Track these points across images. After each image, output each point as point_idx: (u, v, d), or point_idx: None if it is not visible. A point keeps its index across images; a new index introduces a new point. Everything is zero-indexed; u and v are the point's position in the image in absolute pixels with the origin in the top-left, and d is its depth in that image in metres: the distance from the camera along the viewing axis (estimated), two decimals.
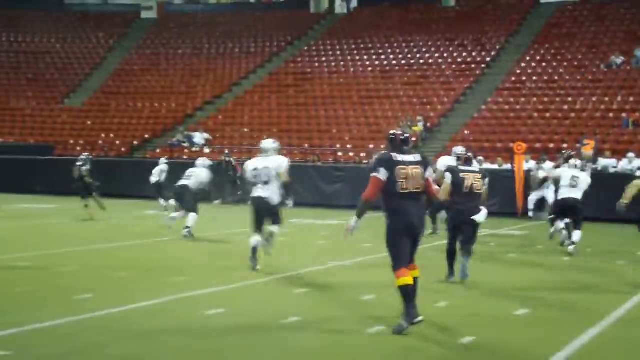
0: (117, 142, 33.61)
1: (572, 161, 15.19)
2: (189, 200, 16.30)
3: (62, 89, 40.49)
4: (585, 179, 14.69)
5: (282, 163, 11.91)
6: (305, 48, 40.68)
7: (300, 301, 9.45)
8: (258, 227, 11.85)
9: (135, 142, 33.50)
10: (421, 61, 36.17)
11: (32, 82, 40.72)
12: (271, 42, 42.28)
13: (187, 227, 15.85)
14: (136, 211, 22.59)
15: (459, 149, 14.74)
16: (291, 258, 13.06)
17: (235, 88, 38.14)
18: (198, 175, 16.76)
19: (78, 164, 21.43)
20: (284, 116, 33.53)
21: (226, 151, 27.12)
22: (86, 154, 24.39)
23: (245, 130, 32.53)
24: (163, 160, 24.46)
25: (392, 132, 8.38)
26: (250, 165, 12.04)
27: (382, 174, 7.94)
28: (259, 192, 11.79)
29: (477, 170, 11.46)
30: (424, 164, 8.18)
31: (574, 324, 8.47)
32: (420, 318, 7.89)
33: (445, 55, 36.21)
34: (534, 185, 16.20)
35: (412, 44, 37.91)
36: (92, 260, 12.49)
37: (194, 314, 8.53)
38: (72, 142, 34.07)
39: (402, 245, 8.05)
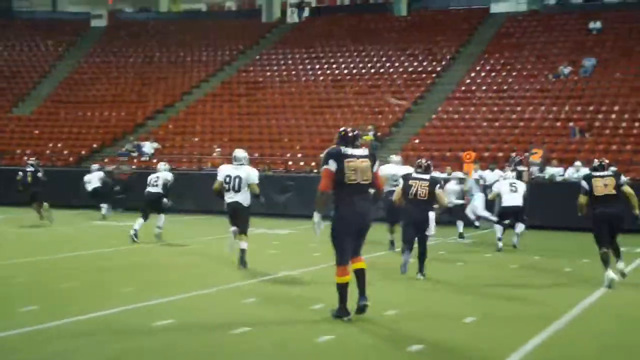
0: (66, 152, 33.17)
1: (506, 172, 17.25)
2: (159, 204, 17.40)
3: (10, 97, 39.89)
4: (522, 185, 16.51)
5: (253, 174, 13.14)
6: (257, 57, 40.62)
7: (250, 311, 9.40)
8: (233, 225, 13.12)
9: (84, 152, 33.11)
10: (372, 70, 36.31)
11: None
12: (223, 51, 42.15)
13: (159, 227, 17.23)
14: (84, 221, 22.32)
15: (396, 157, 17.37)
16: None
17: (186, 97, 37.90)
18: (164, 178, 17.56)
19: (29, 169, 21.46)
20: (235, 125, 33.41)
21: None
22: (33, 159, 24.29)
23: (196, 139, 32.36)
24: (96, 167, 24.67)
25: (342, 128, 9.11)
26: (223, 171, 13.14)
27: (331, 166, 8.59)
28: (230, 197, 13.02)
29: (427, 178, 12.14)
30: (372, 158, 8.85)
31: (525, 325, 8.59)
32: (349, 317, 8.63)
33: (396, 64, 36.40)
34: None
35: (363, 53, 38.06)
36: (39, 271, 12.31)
37: (142, 324, 8.45)
38: (19, 151, 33.56)
39: (346, 239, 8.65)
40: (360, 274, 8.80)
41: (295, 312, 9.28)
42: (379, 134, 29.65)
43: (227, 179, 13.02)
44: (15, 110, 38.76)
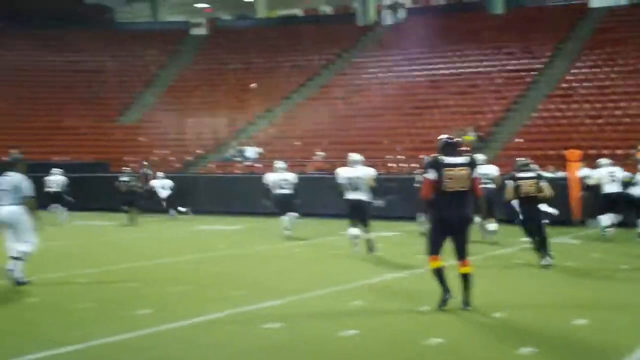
0: (172, 158, 34.04)
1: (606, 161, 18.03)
2: (290, 204, 19.05)
3: (117, 106, 41.16)
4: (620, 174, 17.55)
5: (370, 173, 15.20)
6: (354, 60, 40.84)
7: (358, 312, 9.53)
8: (354, 223, 15.05)
9: (189, 158, 33.91)
10: (470, 70, 36.07)
11: (87, 101, 41.44)
12: (320, 55, 42.52)
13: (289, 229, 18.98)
14: (193, 226, 22.84)
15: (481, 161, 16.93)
16: (348, 269, 13.21)
17: (285, 101, 38.42)
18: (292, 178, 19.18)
19: (123, 179, 22.48)
20: (334, 128, 33.67)
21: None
22: (128, 169, 25.35)
23: (297, 143, 32.73)
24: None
25: (440, 136, 9.58)
26: (343, 174, 15.01)
27: (431, 175, 9.23)
28: (352, 195, 14.90)
29: (533, 175, 13.44)
30: (472, 165, 9.35)
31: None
32: (448, 297, 9.34)
33: (494, 63, 36.07)
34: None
35: (460, 53, 37.83)
36: (151, 275, 12.72)
37: (252, 326, 8.64)
38: (126, 159, 34.58)
39: (437, 237, 9.46)
40: (465, 279, 9.39)
41: (403, 314, 9.33)
42: (481, 134, 29.41)
43: (349, 180, 14.92)
44: (121, 119, 39.96)
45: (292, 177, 19.18)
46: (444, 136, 9.57)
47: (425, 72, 37.15)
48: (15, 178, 11.71)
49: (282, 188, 18.92)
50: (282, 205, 18.96)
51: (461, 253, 9.41)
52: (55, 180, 24.62)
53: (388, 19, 44.31)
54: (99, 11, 51.55)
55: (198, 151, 34.54)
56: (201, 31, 48.29)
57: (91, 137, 37.54)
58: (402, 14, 44.34)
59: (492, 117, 31.38)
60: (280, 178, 19.01)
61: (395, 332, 8.48)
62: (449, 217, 9.28)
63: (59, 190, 24.52)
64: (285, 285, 11.62)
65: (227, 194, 27.41)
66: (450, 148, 9.37)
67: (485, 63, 36.32)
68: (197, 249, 16.88)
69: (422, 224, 17.35)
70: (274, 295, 10.60)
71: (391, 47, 40.71)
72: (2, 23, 46.81)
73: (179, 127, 37.63)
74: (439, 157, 9.29)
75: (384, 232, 18.63)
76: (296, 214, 19.11)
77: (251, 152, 32.02)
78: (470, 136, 28.61)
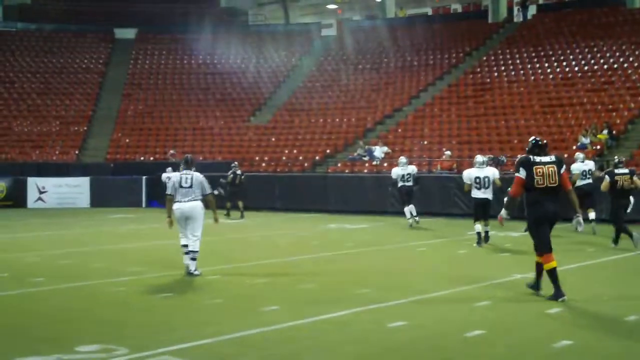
0: (300, 158, 34.53)
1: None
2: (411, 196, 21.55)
3: (248, 107, 42.07)
4: None
5: (497, 173, 16.74)
6: (484, 58, 40.31)
7: (484, 313, 9.47)
8: (478, 218, 16.43)
9: (317, 157, 34.31)
10: (605, 67, 35.00)
11: (221, 102, 42.55)
12: (449, 54, 42.21)
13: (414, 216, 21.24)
14: (321, 224, 23.09)
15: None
16: (475, 269, 13.11)
17: (414, 101, 38.31)
18: (413, 171, 21.77)
19: (238, 172, 25.84)
20: (463, 127, 33.32)
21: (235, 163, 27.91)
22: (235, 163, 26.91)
23: (425, 142, 32.60)
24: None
25: (532, 138, 10.45)
26: (472, 174, 16.41)
27: (522, 173, 9.98)
28: (480, 194, 16.35)
29: (627, 171, 15.80)
30: (559, 163, 10.05)
31: None
32: (564, 297, 9.79)
33: (631, 59, 34.87)
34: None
35: (595, 49, 36.77)
36: (278, 272, 12.98)
37: (377, 326, 8.71)
38: (257, 158, 35.31)
39: (542, 232, 10.03)
40: (550, 274, 10.09)
41: (530, 316, 9.20)
42: (613, 132, 28.53)
43: (477, 180, 16.33)
44: (252, 119, 40.80)
45: (413, 169, 21.65)
46: (533, 138, 10.44)
47: (557, 69, 36.30)
48: (195, 176, 12.73)
49: (405, 181, 21.29)
50: (406, 196, 21.38)
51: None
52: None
53: (519, 15, 43.53)
54: (232, 14, 52.79)
55: (327, 151, 34.87)
56: (331, 32, 48.76)
57: (224, 138, 38.47)
58: (532, 10, 43.48)
59: (627, 115, 30.35)
60: (404, 172, 21.30)
61: (523, 334, 8.37)
62: (543, 211, 9.99)
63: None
64: (412, 284, 11.65)
65: (354, 193, 27.62)
66: (539, 148, 10.20)
67: (621, 59, 35.17)
68: (324, 247, 17.06)
69: None
70: (401, 293, 10.64)
71: (522, 44, 39.97)
72: (140, 29, 48.65)
73: (308, 126, 38.12)
74: (529, 156, 10.10)
75: (511, 233, 18.39)
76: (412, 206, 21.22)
77: (379, 151, 32.09)
78: (604, 135, 27.78)
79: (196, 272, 12.48)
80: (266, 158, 35.18)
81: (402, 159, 21.73)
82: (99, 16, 48.70)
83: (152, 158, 35.65)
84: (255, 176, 30.84)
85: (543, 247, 10.03)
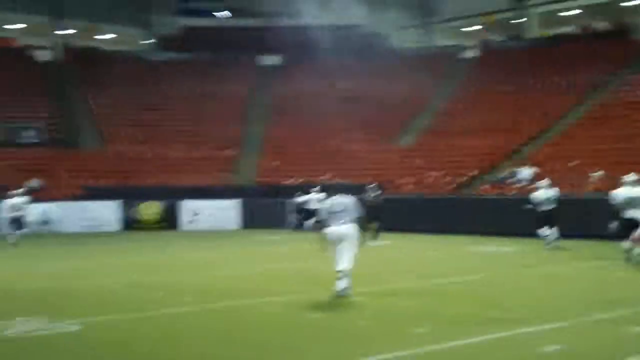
0: (446, 180, 34.32)
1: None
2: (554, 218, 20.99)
3: (393, 129, 42.18)
4: None
5: None
6: (632, 77, 38.98)
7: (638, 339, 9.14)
8: (625, 237, 16.17)
9: (463, 180, 34.02)
10: None
11: (365, 125, 42.83)
12: (594, 73, 41.04)
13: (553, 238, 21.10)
14: (466, 247, 22.84)
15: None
16: (631, 292, 12.72)
17: (561, 121, 37.46)
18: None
19: (373, 194, 25.60)
20: (613, 148, 32.30)
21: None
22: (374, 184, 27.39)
23: (573, 163, 31.77)
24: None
25: None
26: (622, 194, 16.16)
27: None
28: (631, 214, 16.01)
29: None
30: None
31: None
32: None
33: None
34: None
35: None
36: (426, 294, 12.94)
37: (529, 351, 8.56)
38: (402, 181, 35.34)
39: None
40: None
41: None
42: None
43: (629, 200, 16.03)
44: (397, 141, 40.89)
45: (555, 192, 21.21)
46: None
47: None
48: (346, 200, 13.03)
49: (547, 204, 20.93)
50: (547, 220, 20.99)
51: None
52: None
53: None
54: (374, 38, 53.18)
55: (472, 173, 34.54)
56: (473, 54, 48.39)
57: (369, 160, 38.71)
58: None
59: None
60: (546, 195, 20.94)
61: None
62: None
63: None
64: (565, 307, 11.37)
65: (500, 214, 27.19)
66: None
67: None
68: (470, 270, 16.88)
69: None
70: (554, 317, 10.42)
71: None
72: (284, 56, 49.77)
73: (452, 149, 37.89)
74: None
75: None
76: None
77: (526, 172, 31.51)
78: None
79: (347, 292, 12.55)
80: (412, 180, 35.16)
81: (543, 182, 21.55)
82: (246, 44, 50.10)
83: (299, 181, 36.23)
84: (399, 199, 30.92)
85: None
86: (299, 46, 48.46)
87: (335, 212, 12.83)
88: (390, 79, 47.09)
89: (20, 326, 10.16)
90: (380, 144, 40.71)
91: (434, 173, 35.46)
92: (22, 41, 50.94)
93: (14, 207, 25.78)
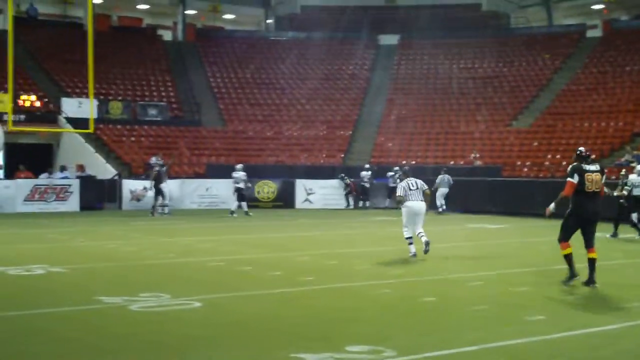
0: (564, 163, 33.64)
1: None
2: None
3: (510, 111, 41.58)
4: None
5: None
6: None
7: None
8: None
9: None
10: None
11: (481, 106, 42.38)
12: None
13: None
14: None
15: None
16: None
17: None
18: None
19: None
20: None
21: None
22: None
23: None
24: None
25: (579, 149, 12.14)
26: None
27: (575, 179, 11.69)
28: None
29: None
30: (602, 172, 11.97)
31: None
32: (573, 282, 11.93)
33: None
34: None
35: None
36: (542, 280, 12.83)
37: None
38: (519, 163, 34.86)
39: (572, 227, 11.96)
40: (591, 263, 11.87)
41: None
42: None
43: None
44: (514, 123, 40.29)
45: None
46: (581, 149, 12.13)
47: None
48: (419, 181, 16.07)
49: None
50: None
51: (590, 242, 11.95)
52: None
53: None
54: (495, 18, 52.35)
55: (593, 156, 33.70)
56: (596, 33, 47.03)
57: (485, 142, 38.33)
58: None
59: None
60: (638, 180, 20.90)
61: None
62: (587, 212, 11.79)
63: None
64: None
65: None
66: (587, 158, 11.88)
67: None
68: None
69: None
70: None
71: None
72: (403, 35, 49.56)
73: (572, 131, 37.07)
74: (582, 164, 11.75)
75: None
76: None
77: None
78: None
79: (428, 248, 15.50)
80: (528, 163, 34.64)
81: (638, 167, 21.23)
82: (364, 24, 50.16)
83: (413, 162, 36.19)
84: (516, 181, 30.61)
85: (565, 237, 11.96)
86: (418, 25, 48.23)
87: (411, 191, 15.77)
88: (510, 59, 46.36)
89: (144, 301, 10.62)
90: (499, 125, 40.18)
91: (551, 155, 34.82)
92: (148, 21, 52.50)
93: (236, 181, 28.41)
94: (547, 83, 43.59)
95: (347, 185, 33.49)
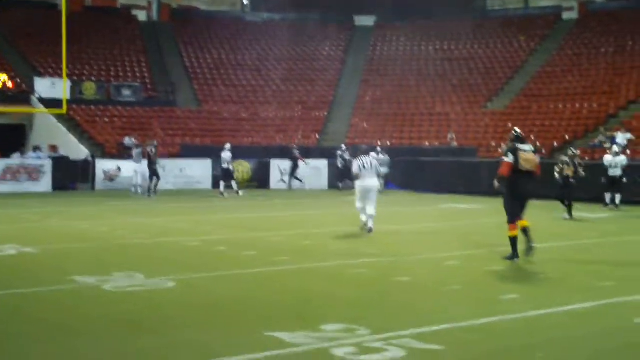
0: (538, 144, 33.79)
1: None
2: None
3: (485, 92, 41.69)
4: None
5: None
6: None
7: None
8: None
9: (555, 144, 33.45)
10: None
11: (457, 88, 42.46)
12: None
13: None
14: (549, 213, 22.42)
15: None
16: None
17: None
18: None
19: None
20: None
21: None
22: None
23: None
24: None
25: (514, 129, 12.78)
26: None
27: (510, 158, 12.23)
28: None
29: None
30: (535, 151, 12.68)
31: None
32: (518, 260, 12.38)
33: None
34: None
35: None
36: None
37: (623, 321, 8.50)
38: (493, 144, 34.98)
39: (515, 206, 12.44)
40: (526, 230, 12.40)
41: None
42: None
43: None
44: (489, 105, 40.42)
45: (622, 160, 23.20)
46: (516, 129, 12.76)
47: None
48: (374, 161, 16.74)
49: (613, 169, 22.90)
50: (612, 185, 23.09)
51: (522, 215, 12.45)
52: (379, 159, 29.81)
53: None
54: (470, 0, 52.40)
55: (565, 137, 33.92)
56: (572, 15, 47.20)
57: (460, 123, 38.43)
58: None
59: None
60: (613, 161, 22.95)
61: None
62: (522, 189, 12.37)
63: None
64: None
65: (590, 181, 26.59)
66: (522, 138, 12.47)
67: None
68: (564, 236, 16.66)
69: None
70: None
71: None
72: (379, 17, 49.50)
73: (546, 113, 37.24)
74: (516, 144, 12.27)
75: None
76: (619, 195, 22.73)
77: (621, 138, 30.79)
78: None
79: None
80: (502, 145, 34.73)
81: (614, 148, 23.16)
82: (340, 5, 50.00)
83: (388, 143, 36.21)
84: (491, 162, 30.66)
85: (513, 218, 12.38)
86: (394, 6, 48.17)
87: (365, 170, 16.43)
88: (486, 41, 46.45)
89: (118, 281, 10.55)
90: (474, 107, 40.28)
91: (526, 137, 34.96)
92: (123, 1, 51.96)
93: (224, 161, 28.64)
94: (522, 65, 43.73)
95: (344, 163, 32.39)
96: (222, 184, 28.65)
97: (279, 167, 33.78)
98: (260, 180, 33.71)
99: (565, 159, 21.04)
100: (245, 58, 46.32)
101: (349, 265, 12.32)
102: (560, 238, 16.49)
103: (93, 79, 40.36)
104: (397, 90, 42.97)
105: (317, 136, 38.88)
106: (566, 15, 47.42)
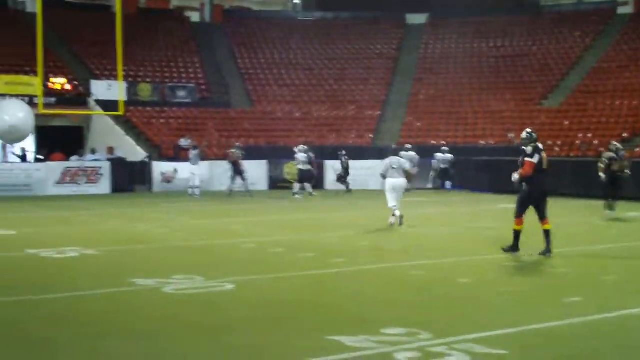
0: (595, 142, 33.30)
1: None
2: None
3: (540, 90, 41.18)
4: None
5: None
6: None
7: None
8: None
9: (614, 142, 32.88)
10: None
11: (511, 85, 42.01)
12: None
13: None
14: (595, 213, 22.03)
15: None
16: None
17: None
18: None
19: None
20: None
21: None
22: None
23: None
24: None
25: (528, 131, 13.02)
26: None
27: (535, 159, 12.64)
28: None
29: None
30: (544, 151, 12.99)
31: None
32: (518, 252, 12.94)
33: None
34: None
35: None
36: (581, 262, 12.70)
37: None
38: (550, 142, 34.49)
39: (527, 204, 12.82)
40: (546, 234, 12.73)
41: None
42: None
43: None
44: (544, 102, 39.92)
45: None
46: (529, 130, 13.01)
47: None
48: (402, 160, 18.31)
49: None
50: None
51: (544, 215, 12.78)
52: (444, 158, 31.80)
53: None
54: None
55: (624, 135, 33.34)
56: (628, 9, 46.37)
57: (515, 121, 37.98)
58: None
59: None
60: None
61: None
62: (544, 188, 12.85)
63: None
64: None
65: None
66: (536, 140, 12.79)
67: None
68: (625, 237, 16.38)
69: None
70: None
71: None
72: (431, 14, 49.19)
73: (603, 109, 36.65)
74: (539, 145, 12.71)
75: None
76: None
77: None
78: None
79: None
80: (559, 142, 34.30)
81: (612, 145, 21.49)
82: (392, 3, 49.82)
83: (442, 142, 35.95)
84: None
85: (520, 213, 12.86)
86: (446, 4, 47.86)
87: (393, 169, 17.90)
88: (540, 38, 45.89)
89: (177, 284, 10.62)
90: (529, 104, 39.83)
91: (582, 134, 34.46)
92: (176, 3, 52.40)
93: (297, 162, 29.25)
94: (577, 61, 43.10)
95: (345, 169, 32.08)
96: (296, 185, 29.32)
97: (332, 168, 33.68)
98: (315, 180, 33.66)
99: (611, 154, 20.32)
100: (297, 57, 46.40)
101: (407, 266, 12.25)
102: (617, 239, 16.21)
103: (148, 80, 40.78)
104: (450, 88, 42.68)
105: (371, 136, 38.75)
106: (621, 10, 46.58)
